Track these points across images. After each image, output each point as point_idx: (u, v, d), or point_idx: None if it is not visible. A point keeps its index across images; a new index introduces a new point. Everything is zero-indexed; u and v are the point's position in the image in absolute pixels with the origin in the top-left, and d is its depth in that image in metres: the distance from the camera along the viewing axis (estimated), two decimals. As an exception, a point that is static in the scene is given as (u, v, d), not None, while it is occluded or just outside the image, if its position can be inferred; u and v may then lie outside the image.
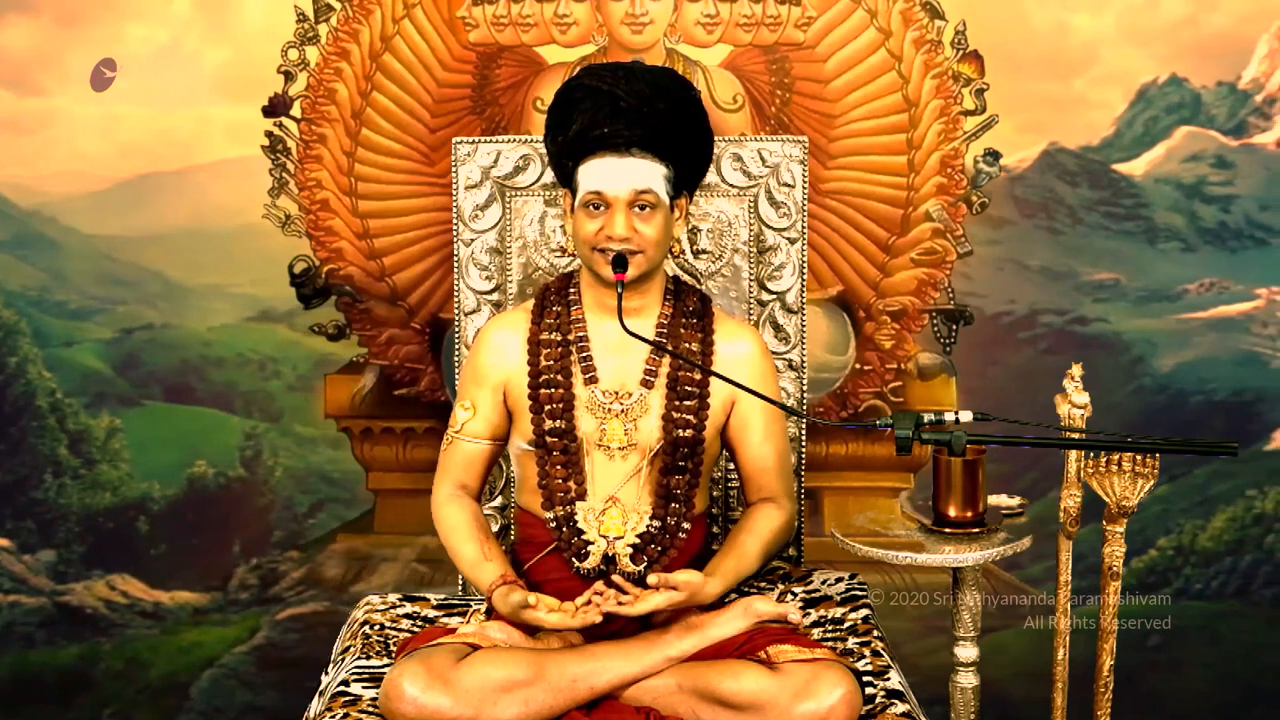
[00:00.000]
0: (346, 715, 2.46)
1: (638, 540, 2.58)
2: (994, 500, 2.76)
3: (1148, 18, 3.61)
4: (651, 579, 2.44)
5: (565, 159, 2.58)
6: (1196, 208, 3.67)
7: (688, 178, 2.63)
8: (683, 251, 2.70)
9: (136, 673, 3.75)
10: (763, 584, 2.87)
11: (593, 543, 2.59)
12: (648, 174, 2.54)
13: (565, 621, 2.43)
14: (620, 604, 2.43)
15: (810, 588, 2.87)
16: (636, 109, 2.51)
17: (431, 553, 3.67)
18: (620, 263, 2.52)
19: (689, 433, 2.61)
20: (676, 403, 2.61)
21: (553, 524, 2.61)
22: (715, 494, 2.93)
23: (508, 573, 2.56)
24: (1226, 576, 3.48)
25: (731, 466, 2.88)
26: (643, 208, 2.54)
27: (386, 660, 2.64)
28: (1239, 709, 3.11)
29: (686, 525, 2.62)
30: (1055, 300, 3.64)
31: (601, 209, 2.54)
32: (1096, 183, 3.66)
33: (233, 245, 3.66)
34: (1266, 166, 3.67)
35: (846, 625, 2.75)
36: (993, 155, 3.58)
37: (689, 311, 2.67)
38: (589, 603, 2.44)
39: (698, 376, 2.62)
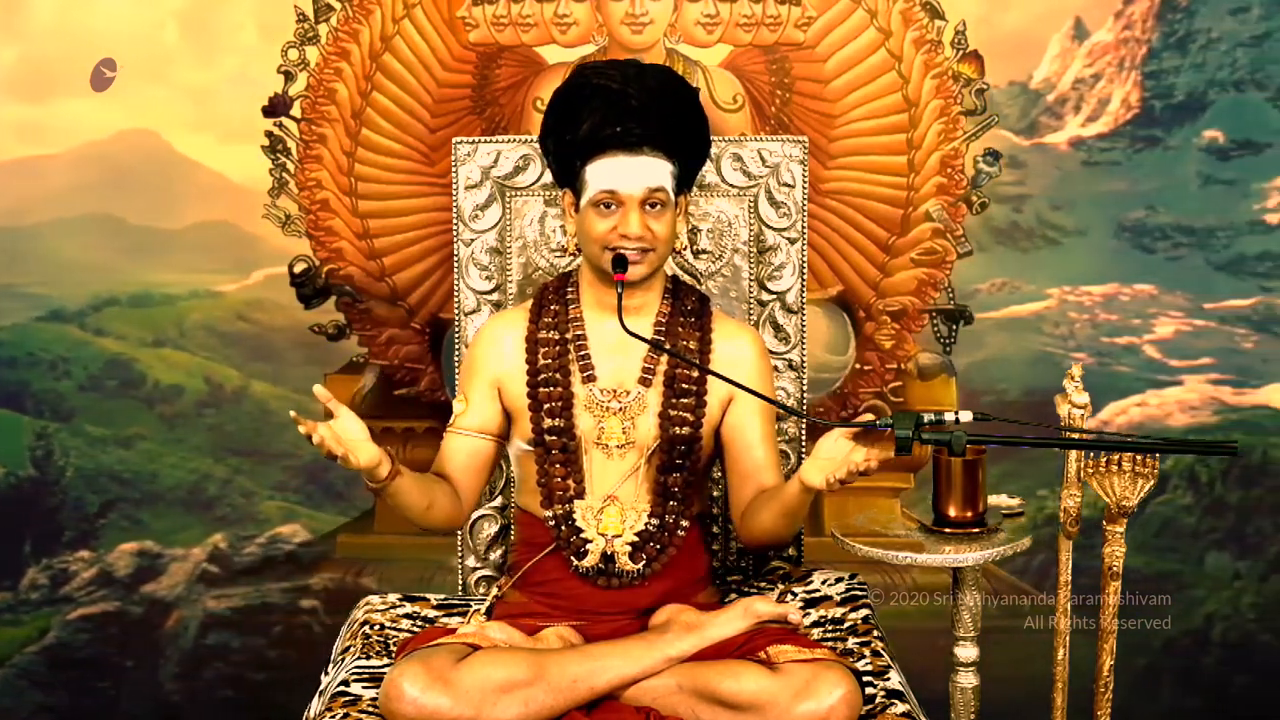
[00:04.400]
0: (346, 715, 2.46)
1: (636, 538, 2.58)
2: (994, 500, 2.76)
3: None
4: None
5: (573, 158, 2.57)
6: (988, 207, 3.65)
7: (687, 175, 2.63)
8: (685, 248, 2.70)
9: (-72, 673, 3.76)
10: (763, 584, 2.87)
11: (591, 541, 2.59)
12: (659, 172, 2.54)
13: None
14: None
15: (810, 588, 2.87)
16: (647, 107, 2.51)
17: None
18: (620, 263, 2.52)
19: (686, 430, 2.61)
20: (674, 401, 2.61)
21: (551, 522, 2.61)
22: (715, 494, 2.93)
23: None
24: (1020, 576, 3.46)
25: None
26: (654, 205, 2.54)
27: (386, 660, 2.63)
28: (1038, 709, 3.06)
29: (685, 523, 2.62)
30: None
31: (613, 208, 2.54)
32: None
33: (21, 245, 3.65)
34: (1058, 166, 3.66)
35: (846, 625, 2.75)
36: (993, 155, 3.58)
37: (687, 310, 2.67)
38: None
39: (695, 375, 2.62)
